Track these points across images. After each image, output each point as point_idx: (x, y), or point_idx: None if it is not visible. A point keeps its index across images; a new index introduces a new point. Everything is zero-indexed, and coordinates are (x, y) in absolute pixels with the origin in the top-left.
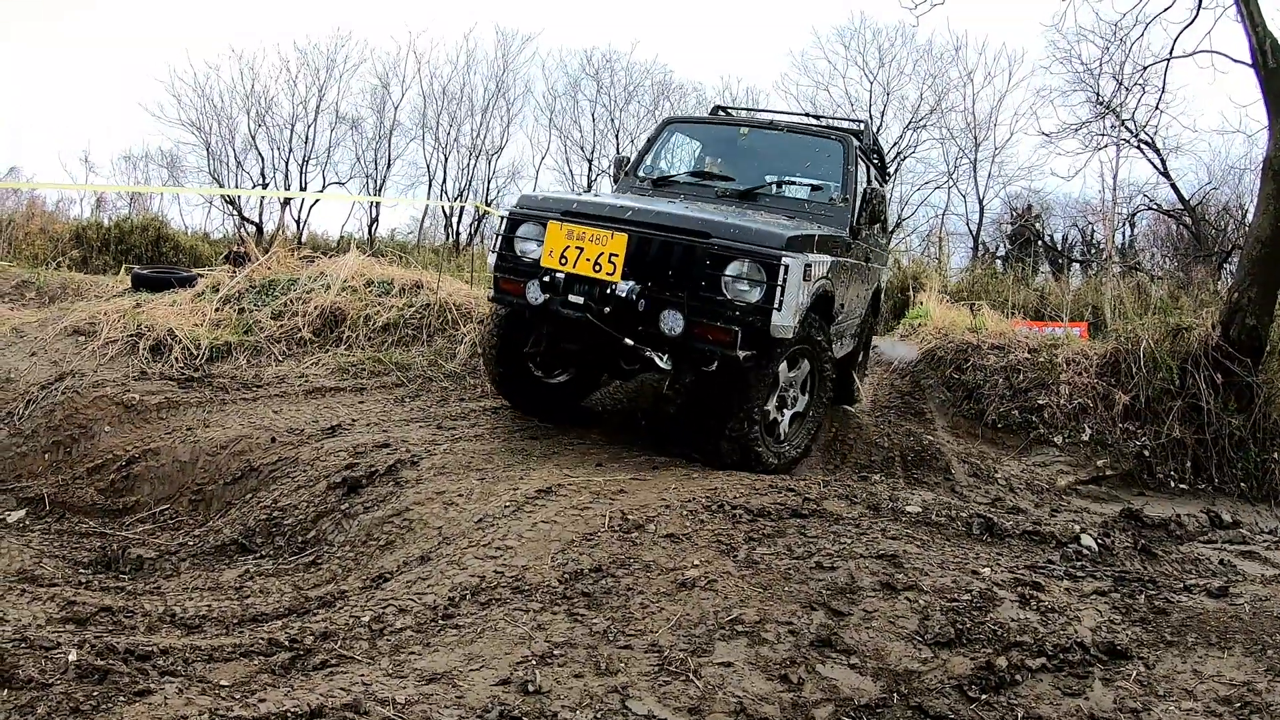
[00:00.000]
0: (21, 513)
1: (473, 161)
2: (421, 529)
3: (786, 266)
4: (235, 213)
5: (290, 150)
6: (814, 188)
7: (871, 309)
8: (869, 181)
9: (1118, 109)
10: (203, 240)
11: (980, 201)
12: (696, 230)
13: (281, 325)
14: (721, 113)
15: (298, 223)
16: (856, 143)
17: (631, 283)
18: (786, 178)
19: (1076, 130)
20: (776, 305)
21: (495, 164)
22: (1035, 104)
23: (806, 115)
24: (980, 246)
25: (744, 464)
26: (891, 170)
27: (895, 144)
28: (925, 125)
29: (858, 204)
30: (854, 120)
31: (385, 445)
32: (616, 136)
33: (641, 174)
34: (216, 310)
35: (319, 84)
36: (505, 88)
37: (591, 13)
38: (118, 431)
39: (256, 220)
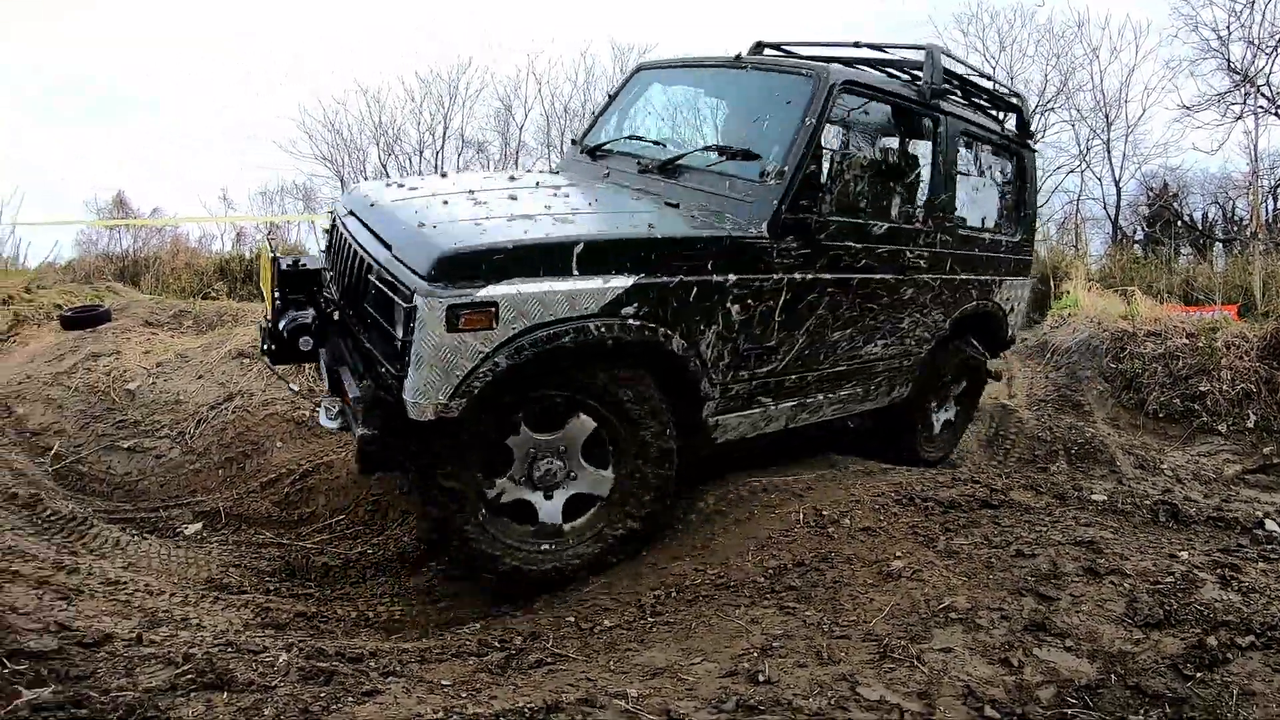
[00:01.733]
0: (198, 525)
1: None
2: None
3: (415, 310)
4: None
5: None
6: (744, 155)
7: (951, 354)
8: (892, 147)
9: (1253, 75)
10: None
11: (1116, 183)
12: (384, 240)
13: None
14: (768, 50)
15: None
16: (837, 81)
17: (292, 314)
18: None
19: (1218, 100)
20: (399, 369)
21: None
22: (1166, 77)
23: (858, 44)
24: (1118, 231)
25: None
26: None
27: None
28: (1053, 108)
29: (794, 178)
30: (918, 48)
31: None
32: None
33: (588, 141)
34: None
35: (444, 111)
36: None
37: (703, 22)
38: (289, 447)
39: None
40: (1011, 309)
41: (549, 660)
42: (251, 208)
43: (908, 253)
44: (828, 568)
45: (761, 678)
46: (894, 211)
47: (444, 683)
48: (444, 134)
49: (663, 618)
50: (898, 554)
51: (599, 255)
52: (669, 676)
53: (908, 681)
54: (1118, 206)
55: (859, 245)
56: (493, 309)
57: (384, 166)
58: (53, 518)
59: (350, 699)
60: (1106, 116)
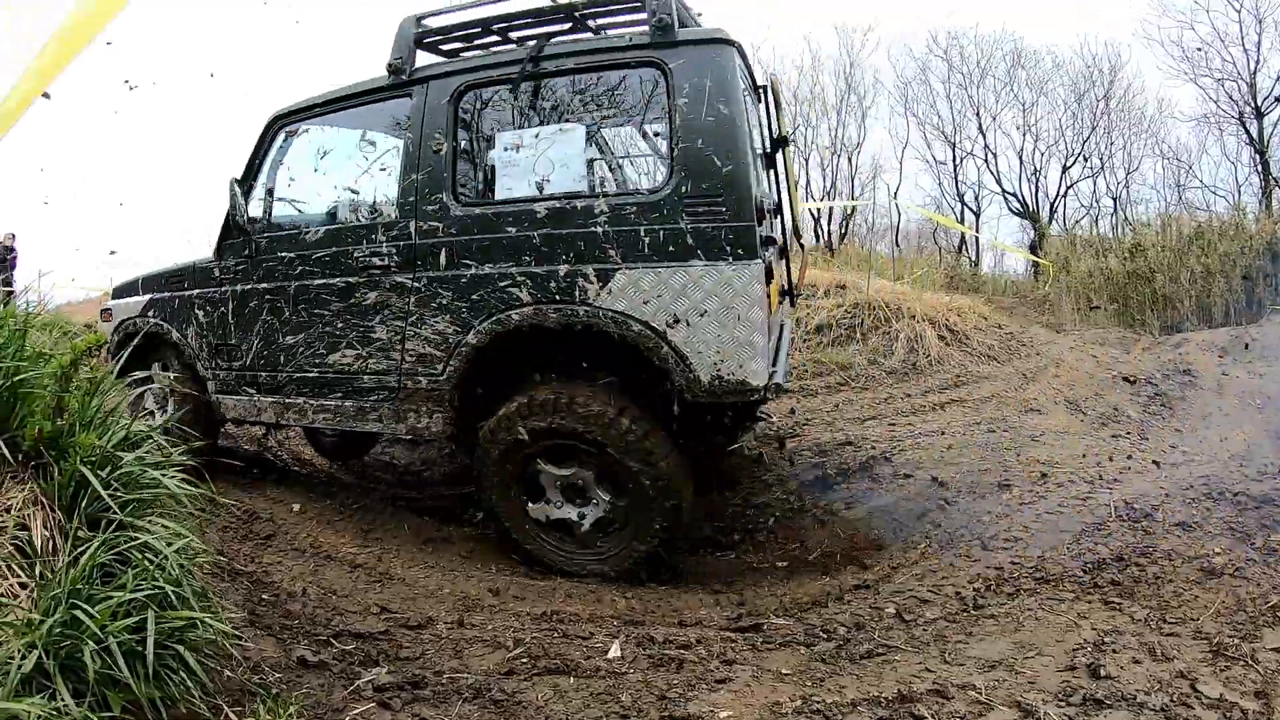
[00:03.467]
0: (482, 514)
1: (835, 160)
2: (915, 523)
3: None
4: None
5: None
6: None
7: (531, 409)
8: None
9: None
10: None
11: None
12: None
13: None
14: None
15: None
16: (273, 121)
17: None
18: None
19: None
20: None
21: (856, 161)
22: None
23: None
24: None
25: None
26: None
27: (1279, 78)
28: None
29: (227, 216)
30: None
31: (849, 443)
32: (977, 114)
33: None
34: None
35: None
36: (854, 83)
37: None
38: None
39: None
40: (679, 321)
41: (879, 651)
42: None
43: (356, 253)
44: (1147, 562)
45: (1102, 673)
46: (345, 211)
47: (784, 671)
48: None
49: (986, 610)
50: (1216, 550)
51: (148, 283)
52: (1006, 669)
53: (1244, 681)
54: None
55: (293, 254)
56: (109, 311)
57: None
58: (353, 505)
59: (704, 686)
60: None
